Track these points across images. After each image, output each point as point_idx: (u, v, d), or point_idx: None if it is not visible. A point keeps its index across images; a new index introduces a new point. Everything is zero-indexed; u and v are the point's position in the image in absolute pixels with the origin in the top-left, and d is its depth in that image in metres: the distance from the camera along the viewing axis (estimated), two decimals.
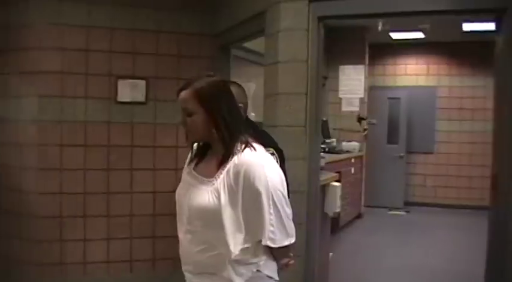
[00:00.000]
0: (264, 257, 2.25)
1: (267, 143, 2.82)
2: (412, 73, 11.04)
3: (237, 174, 2.13)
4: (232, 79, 5.31)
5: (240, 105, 2.90)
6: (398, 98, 10.78)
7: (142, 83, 5.09)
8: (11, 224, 5.12)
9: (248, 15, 4.54)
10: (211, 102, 2.17)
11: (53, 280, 4.98)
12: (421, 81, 10.97)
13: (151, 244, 5.21)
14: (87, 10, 5.00)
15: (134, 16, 5.11)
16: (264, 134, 3.12)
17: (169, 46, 5.23)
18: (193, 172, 2.33)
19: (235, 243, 2.16)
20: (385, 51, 10.90)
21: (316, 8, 3.86)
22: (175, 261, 5.07)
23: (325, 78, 9.07)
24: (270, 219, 2.14)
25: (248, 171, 2.11)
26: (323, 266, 4.81)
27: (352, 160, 8.85)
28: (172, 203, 5.11)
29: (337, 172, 5.74)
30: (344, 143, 9.20)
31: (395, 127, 10.76)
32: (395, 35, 9.88)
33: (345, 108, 9.44)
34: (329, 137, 8.95)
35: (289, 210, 2.22)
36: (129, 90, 5.04)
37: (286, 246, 2.23)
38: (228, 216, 2.14)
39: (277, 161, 2.79)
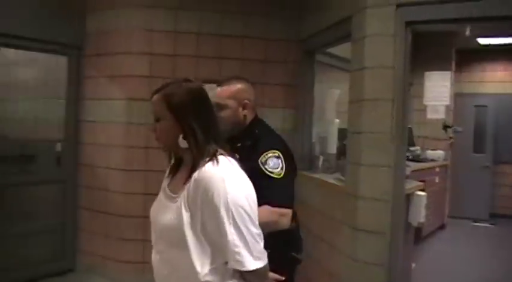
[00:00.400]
0: (234, 281, 2.03)
1: (273, 145, 2.80)
2: (500, 80, 10.59)
3: (196, 190, 1.94)
4: (316, 85, 5.30)
5: (246, 101, 2.88)
6: (485, 106, 10.39)
7: None
8: (96, 222, 5.29)
9: (334, 21, 4.50)
10: (180, 109, 2.02)
11: (135, 278, 5.09)
12: (510, 88, 10.54)
13: None
14: (175, 16, 5.11)
15: (221, 21, 5.18)
16: (271, 135, 2.97)
17: (254, 51, 5.26)
18: (166, 188, 2.17)
19: (202, 264, 1.96)
20: (472, 57, 10.51)
21: (404, 13, 3.76)
22: None
23: (411, 84, 8.87)
24: (234, 240, 1.91)
25: (207, 186, 1.91)
26: (405, 276, 4.69)
27: (437, 169, 8.60)
28: None
29: (421, 181, 5.60)
30: (429, 152, 8.96)
31: (482, 136, 10.37)
32: (483, 41, 9.53)
33: (430, 115, 9.16)
34: (413, 145, 8.74)
35: (255, 230, 1.97)
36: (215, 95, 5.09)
37: (256, 271, 1.98)
38: (190, 235, 1.96)
39: (282, 165, 2.71)
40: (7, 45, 5.21)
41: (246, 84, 2.96)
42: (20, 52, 6.07)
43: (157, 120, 2.07)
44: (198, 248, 1.96)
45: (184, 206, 1.96)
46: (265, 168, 2.70)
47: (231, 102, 2.87)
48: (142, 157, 5.04)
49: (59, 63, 5.62)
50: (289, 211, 2.72)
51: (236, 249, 1.92)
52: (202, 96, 2.10)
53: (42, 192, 5.55)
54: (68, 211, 5.48)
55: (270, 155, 2.73)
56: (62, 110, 5.58)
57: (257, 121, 2.98)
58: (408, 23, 3.78)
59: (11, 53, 5.77)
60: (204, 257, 1.97)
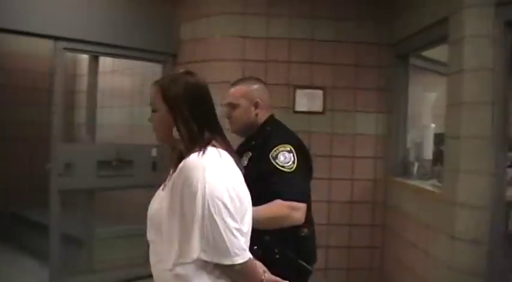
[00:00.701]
0: (210, 279, 1.93)
1: (285, 139, 2.78)
2: None
3: (178, 178, 1.91)
4: (410, 89, 5.20)
5: (257, 100, 2.88)
6: None
7: (320, 93, 5.13)
8: None
9: (429, 23, 4.39)
10: (174, 100, 2.01)
11: None
12: None
13: (324, 253, 5.15)
14: (266, 22, 5.16)
15: (312, 26, 5.18)
16: (284, 131, 2.97)
17: (346, 56, 5.22)
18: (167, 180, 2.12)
19: (173, 255, 1.91)
20: None
21: (504, 12, 3.63)
22: (348, 271, 5.11)
23: None
24: (205, 229, 1.84)
25: (188, 175, 1.88)
26: None
27: None
28: (347, 213, 5.09)
29: None
30: None
31: None
32: None
33: None
34: None
35: (234, 224, 1.89)
36: (307, 100, 5.11)
37: (233, 267, 1.90)
38: (166, 223, 1.94)
39: (294, 159, 2.66)
40: (105, 54, 5.44)
41: (258, 84, 2.99)
42: (117, 61, 6.34)
43: (153, 111, 2.08)
44: (173, 238, 1.92)
45: (169, 195, 1.94)
46: (276, 163, 2.66)
47: (243, 102, 2.90)
48: None
49: (156, 71, 5.81)
50: (302, 205, 2.63)
51: (204, 239, 1.86)
52: (199, 89, 2.06)
53: (138, 196, 5.73)
54: None
55: (281, 149, 2.70)
56: None
57: (272, 120, 2.98)
58: (509, 23, 3.65)
59: (107, 61, 6.02)
60: (171, 247, 1.92)
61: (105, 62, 6.21)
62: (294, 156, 2.68)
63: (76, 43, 4.96)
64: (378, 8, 5.24)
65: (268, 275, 2.09)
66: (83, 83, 6.68)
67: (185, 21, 5.58)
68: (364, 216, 5.23)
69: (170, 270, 1.93)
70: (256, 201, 2.38)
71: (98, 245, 5.40)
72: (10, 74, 6.87)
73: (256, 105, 2.90)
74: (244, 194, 2.03)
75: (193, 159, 1.91)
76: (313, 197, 5.00)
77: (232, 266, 1.89)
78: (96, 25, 5.02)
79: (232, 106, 2.93)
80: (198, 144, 1.97)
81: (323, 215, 5.15)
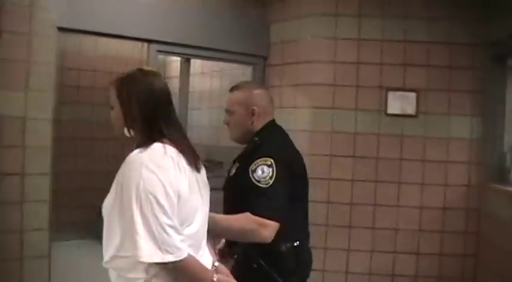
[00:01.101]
0: (149, 275, 1.94)
1: (268, 152, 2.65)
2: None
3: (119, 174, 1.96)
4: (507, 91, 5.03)
5: (253, 107, 2.81)
6: None
7: (413, 95, 5.04)
8: None
9: None
10: (125, 99, 2.05)
11: None
12: None
13: (415, 260, 5.12)
14: (358, 23, 5.13)
15: (405, 27, 5.10)
16: (272, 143, 2.79)
17: (440, 57, 5.10)
18: None
19: (111, 248, 1.98)
20: None
21: None
22: (439, 279, 5.00)
23: None
24: (136, 227, 1.86)
25: (127, 170, 1.92)
26: None
27: None
28: (439, 220, 4.99)
29: None
30: None
31: None
32: None
33: None
34: None
35: (167, 221, 1.88)
36: (399, 103, 5.04)
37: (166, 264, 1.90)
38: (107, 218, 2.01)
39: (272, 174, 2.56)
40: (198, 57, 5.55)
41: (257, 90, 2.93)
42: (206, 63, 6.46)
43: (111, 108, 2.11)
44: (110, 232, 1.99)
45: (114, 189, 1.98)
46: (253, 177, 2.59)
47: (239, 109, 2.85)
48: (326, 165, 5.11)
49: (245, 73, 5.89)
50: (270, 223, 2.51)
51: (136, 237, 1.86)
52: (151, 87, 2.08)
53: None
54: None
55: (261, 163, 2.62)
56: None
57: (266, 129, 2.88)
58: None
59: (197, 63, 6.14)
60: (110, 241, 1.99)
61: (194, 64, 6.34)
62: (272, 170, 2.59)
63: (169, 46, 5.08)
64: (472, 8, 5.09)
65: (220, 276, 2.12)
66: (171, 86, 6.85)
67: (275, 23, 5.62)
68: (457, 223, 5.09)
69: (107, 262, 2.01)
70: (240, 212, 2.55)
71: None
72: (97, 76, 7.12)
73: (252, 113, 2.84)
74: (191, 193, 2.05)
75: (134, 155, 1.95)
76: (404, 203, 4.96)
77: (164, 263, 1.90)
78: (188, 28, 5.12)
79: (229, 113, 2.91)
80: (146, 141, 2.00)
81: (415, 220, 5.08)
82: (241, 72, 6.22)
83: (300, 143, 5.13)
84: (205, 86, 6.92)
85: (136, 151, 1.97)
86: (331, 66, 5.11)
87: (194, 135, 6.34)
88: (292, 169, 2.70)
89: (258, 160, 2.63)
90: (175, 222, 1.93)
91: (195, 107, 6.71)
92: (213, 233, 2.43)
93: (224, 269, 2.26)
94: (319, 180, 5.05)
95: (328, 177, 5.09)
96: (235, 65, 6.21)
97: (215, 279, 2.05)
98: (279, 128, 3.00)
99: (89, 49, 7.01)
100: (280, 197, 2.60)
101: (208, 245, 2.30)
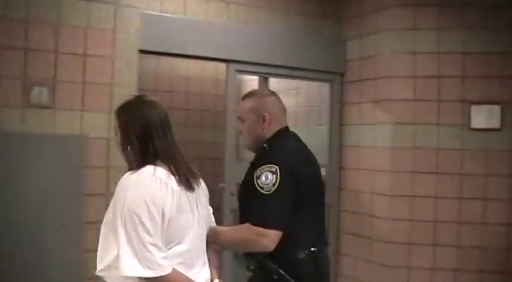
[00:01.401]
0: None
1: (274, 158, 2.67)
2: None
3: (114, 194, 2.18)
4: None
5: (264, 114, 2.84)
6: None
7: (497, 108, 4.90)
8: (359, 247, 5.41)
9: None
10: (123, 127, 2.29)
11: None
12: None
13: (501, 280, 4.95)
14: (437, 36, 5.05)
15: (487, 39, 4.98)
16: (279, 150, 2.79)
17: None
18: None
19: (101, 259, 2.21)
20: None
21: None
22: None
23: None
24: (120, 243, 2.08)
25: (117, 191, 2.16)
26: None
27: None
28: None
29: None
30: None
31: None
32: None
33: None
34: None
35: (149, 239, 2.07)
36: (483, 116, 4.92)
37: (151, 279, 2.08)
38: (102, 231, 2.25)
39: (275, 181, 2.57)
40: (275, 75, 5.61)
41: (267, 97, 2.96)
42: (282, 81, 6.50)
43: (116, 134, 2.35)
44: (104, 244, 2.22)
45: (110, 208, 2.22)
46: (257, 183, 2.62)
47: (250, 116, 2.89)
48: (408, 182, 5.02)
49: (321, 90, 5.90)
50: (271, 232, 2.54)
51: (120, 252, 2.07)
52: (146, 114, 2.28)
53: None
54: (331, 235, 5.64)
55: (266, 169, 2.63)
56: (323, 135, 5.81)
57: (277, 136, 2.89)
58: None
59: (272, 82, 6.18)
60: (106, 253, 2.19)
61: (270, 83, 6.39)
62: (276, 177, 2.60)
63: (248, 65, 5.18)
64: None
65: None
66: None
67: (352, 39, 5.63)
68: None
69: (100, 271, 2.21)
70: (246, 219, 2.64)
71: None
72: (174, 97, 7.28)
73: (263, 119, 2.87)
74: (180, 213, 2.20)
75: (125, 177, 2.19)
76: (491, 220, 4.81)
77: (146, 278, 2.08)
78: (266, 46, 5.20)
79: (241, 121, 2.96)
80: (141, 163, 2.22)
81: (502, 238, 4.90)
82: (317, 89, 6.23)
83: (381, 159, 5.15)
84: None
85: (128, 173, 2.20)
86: (411, 80, 5.05)
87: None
88: (299, 176, 2.69)
89: (263, 166, 2.66)
90: (158, 241, 2.10)
91: None
92: (216, 245, 2.60)
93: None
94: (402, 198, 4.99)
95: (411, 194, 5.00)
96: (312, 83, 6.22)
97: None
98: (292, 134, 3.01)
99: (166, 70, 7.18)
100: (282, 205, 2.62)
101: (209, 262, 2.48)
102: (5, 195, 3.97)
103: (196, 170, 2.44)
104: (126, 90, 4.43)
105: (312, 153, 3.00)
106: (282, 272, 2.63)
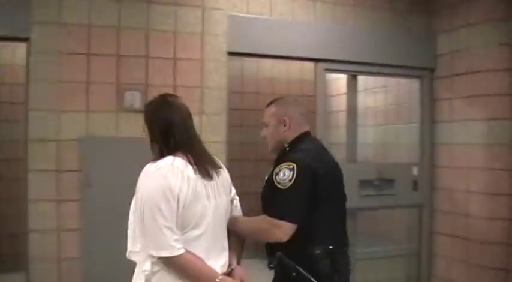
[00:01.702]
0: (154, 269, 2.38)
1: (293, 158, 2.82)
2: None
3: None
4: None
5: (285, 119, 3.00)
6: None
7: None
8: (454, 248, 5.30)
9: None
10: (148, 122, 2.56)
11: None
12: None
13: None
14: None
15: None
16: (299, 151, 2.92)
17: None
18: None
19: (133, 242, 2.45)
20: None
21: None
22: None
23: None
24: (140, 226, 2.38)
25: (139, 179, 2.41)
26: None
27: None
28: None
29: None
30: None
31: None
32: None
33: None
34: None
35: (163, 222, 2.30)
36: None
37: (163, 259, 2.33)
38: (131, 217, 2.47)
39: (292, 178, 2.70)
40: (364, 73, 5.56)
41: (289, 103, 3.12)
42: (370, 79, 6.43)
43: (143, 130, 2.61)
44: (131, 229, 2.46)
45: (135, 195, 2.44)
46: (275, 179, 2.78)
47: (272, 120, 3.06)
48: (506, 180, 4.85)
49: (411, 87, 5.79)
50: (283, 223, 2.69)
51: (138, 233, 2.40)
52: (168, 111, 2.53)
53: (399, 216, 5.72)
54: (423, 236, 5.57)
55: (284, 166, 2.79)
56: (414, 133, 5.72)
57: (298, 140, 3.02)
58: None
59: (360, 80, 6.13)
60: (136, 238, 2.43)
61: (358, 81, 6.33)
62: (293, 174, 2.74)
63: (336, 64, 5.18)
64: None
65: (225, 278, 2.46)
66: (334, 104, 6.89)
67: (442, 33, 5.50)
68: None
69: (127, 255, 2.47)
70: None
71: (359, 265, 5.47)
72: (260, 98, 7.31)
73: (284, 123, 3.02)
74: (196, 200, 2.39)
75: (147, 166, 2.43)
76: None
77: (160, 258, 2.34)
78: (354, 44, 5.18)
79: (265, 126, 3.12)
80: (162, 154, 2.47)
81: None
82: (407, 86, 6.11)
83: (476, 157, 5.00)
84: (369, 102, 6.87)
85: (148, 165, 2.43)
86: (507, 74, 4.87)
87: (361, 153, 6.30)
88: (316, 173, 2.80)
89: (282, 164, 2.82)
90: (172, 224, 2.33)
91: (360, 124, 6.68)
92: (233, 232, 2.77)
93: (241, 272, 2.65)
94: (500, 196, 4.83)
95: (509, 192, 4.83)
96: (401, 80, 6.12)
97: (218, 280, 2.41)
98: (313, 139, 3.16)
99: (251, 72, 7.24)
100: (296, 199, 2.76)
101: (230, 248, 2.67)
102: (105, 201, 4.15)
103: (219, 162, 2.70)
104: (216, 93, 4.52)
105: (330, 154, 3.14)
106: (299, 268, 2.72)
